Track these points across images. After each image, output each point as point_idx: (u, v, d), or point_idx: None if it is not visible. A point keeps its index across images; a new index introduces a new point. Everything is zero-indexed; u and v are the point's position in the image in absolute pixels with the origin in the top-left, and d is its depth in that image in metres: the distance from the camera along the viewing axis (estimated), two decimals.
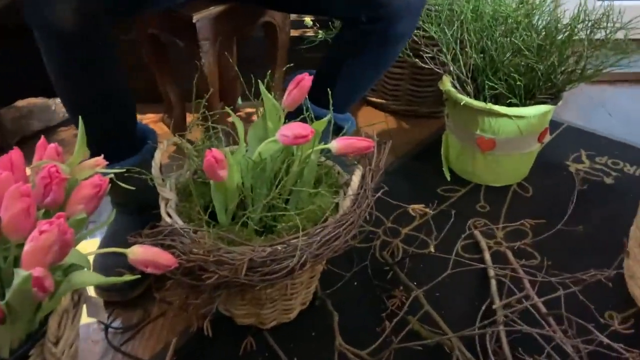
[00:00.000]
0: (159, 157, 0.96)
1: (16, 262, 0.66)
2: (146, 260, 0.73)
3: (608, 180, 1.41)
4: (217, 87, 1.31)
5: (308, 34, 1.64)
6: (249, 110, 1.72)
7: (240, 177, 0.89)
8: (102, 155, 0.79)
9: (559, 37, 1.20)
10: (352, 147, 0.89)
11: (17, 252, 0.66)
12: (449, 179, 1.40)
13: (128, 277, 0.67)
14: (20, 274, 0.55)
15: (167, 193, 0.94)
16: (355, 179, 0.90)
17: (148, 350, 0.99)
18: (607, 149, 1.53)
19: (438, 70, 1.30)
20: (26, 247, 0.59)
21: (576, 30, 1.18)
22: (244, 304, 0.97)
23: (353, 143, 0.89)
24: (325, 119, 0.90)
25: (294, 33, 1.65)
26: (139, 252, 0.73)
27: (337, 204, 0.94)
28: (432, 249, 1.02)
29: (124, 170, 0.79)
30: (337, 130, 1.14)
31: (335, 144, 0.89)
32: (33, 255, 0.59)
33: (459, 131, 1.35)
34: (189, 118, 1.62)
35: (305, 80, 0.90)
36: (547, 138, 1.34)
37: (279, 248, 0.81)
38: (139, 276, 0.68)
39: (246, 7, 1.28)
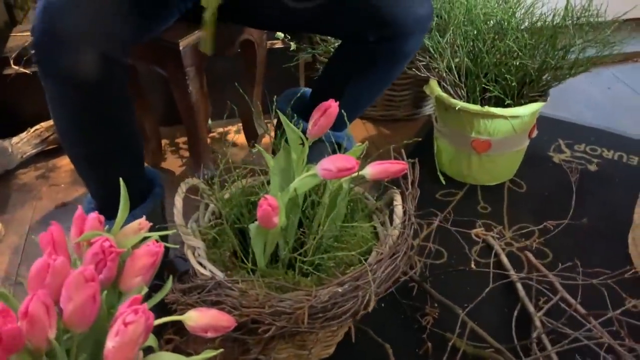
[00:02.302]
0: (180, 203, 0.88)
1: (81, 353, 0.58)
2: (206, 325, 0.67)
3: (592, 168, 1.45)
4: (204, 114, 1.23)
5: (277, 45, 1.59)
6: (220, 129, 1.64)
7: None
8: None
9: (547, 33, 1.21)
10: (387, 172, 0.86)
11: (80, 341, 0.58)
12: (444, 182, 1.39)
13: (211, 353, 0.60)
14: None
15: (194, 241, 0.87)
16: (399, 205, 0.86)
17: None
18: (582, 136, 1.58)
19: (433, 77, 1.29)
20: (111, 344, 0.52)
21: (563, 23, 1.20)
22: (286, 347, 0.91)
23: (387, 168, 0.86)
24: (362, 146, 0.87)
25: None
26: (197, 317, 0.67)
27: (374, 230, 0.91)
28: (473, 265, 1.01)
29: (170, 232, 0.71)
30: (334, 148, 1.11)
31: (370, 170, 0.86)
32: (120, 351, 0.52)
33: (452, 134, 1.34)
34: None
35: (332, 107, 0.86)
36: (535, 133, 1.36)
37: (339, 290, 0.77)
38: (222, 350, 0.62)
39: (226, 28, 1.20)
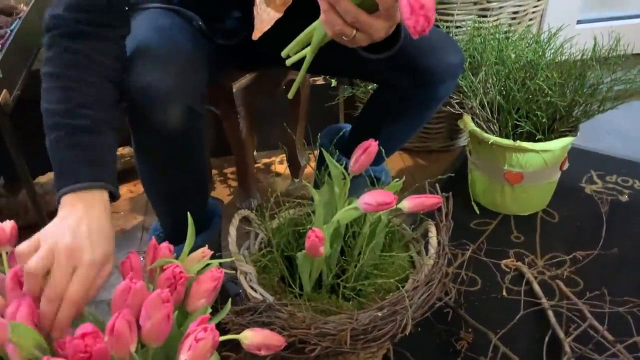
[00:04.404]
0: (234, 232, 0.98)
1: None
2: (260, 344, 0.75)
3: (623, 199, 1.50)
4: (252, 148, 1.34)
5: (318, 82, 1.69)
6: (265, 160, 1.75)
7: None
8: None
9: (575, 72, 1.28)
10: (423, 206, 0.93)
11: (153, 355, 0.67)
12: (478, 212, 1.46)
13: None
14: None
15: (246, 267, 0.96)
16: (433, 237, 0.94)
17: None
18: (614, 167, 1.63)
19: (467, 113, 1.36)
20: (184, 357, 0.60)
21: (591, 63, 1.26)
22: None
23: (423, 201, 0.93)
24: (399, 182, 0.95)
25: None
26: (252, 336, 0.75)
27: (411, 259, 0.99)
28: (504, 293, 1.07)
29: (230, 260, 0.81)
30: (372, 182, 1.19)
31: (407, 204, 0.93)
32: None
33: (485, 167, 1.41)
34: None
35: (372, 146, 0.94)
36: (566, 165, 1.42)
37: (379, 314, 0.84)
38: None
39: (275, 70, 1.31)
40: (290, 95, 0.83)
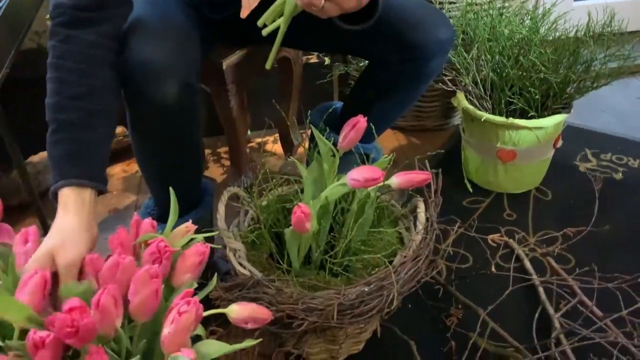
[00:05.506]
0: (223, 209, 0.98)
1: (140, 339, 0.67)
2: (247, 317, 0.75)
3: (617, 176, 1.49)
4: (244, 126, 1.33)
5: (312, 60, 1.68)
6: (258, 140, 1.75)
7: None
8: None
9: (569, 49, 1.27)
10: (412, 182, 0.93)
11: (141, 329, 0.68)
12: (471, 190, 1.46)
13: (251, 342, 0.69)
14: None
15: (235, 243, 0.96)
16: (422, 212, 0.94)
17: None
18: (609, 145, 1.62)
19: (460, 90, 1.36)
20: (167, 330, 0.61)
21: (584, 39, 1.25)
22: (318, 342, 0.99)
23: (412, 178, 0.93)
24: (388, 158, 0.94)
25: None
26: (239, 311, 0.75)
27: (399, 235, 0.99)
28: (493, 269, 1.07)
29: (216, 233, 0.81)
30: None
31: (396, 180, 0.93)
32: (175, 336, 0.61)
33: (478, 144, 1.41)
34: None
35: (361, 122, 0.94)
36: (560, 143, 1.41)
37: (366, 289, 0.85)
38: (262, 340, 0.71)
39: (265, 47, 1.30)
40: (267, 66, 0.83)
